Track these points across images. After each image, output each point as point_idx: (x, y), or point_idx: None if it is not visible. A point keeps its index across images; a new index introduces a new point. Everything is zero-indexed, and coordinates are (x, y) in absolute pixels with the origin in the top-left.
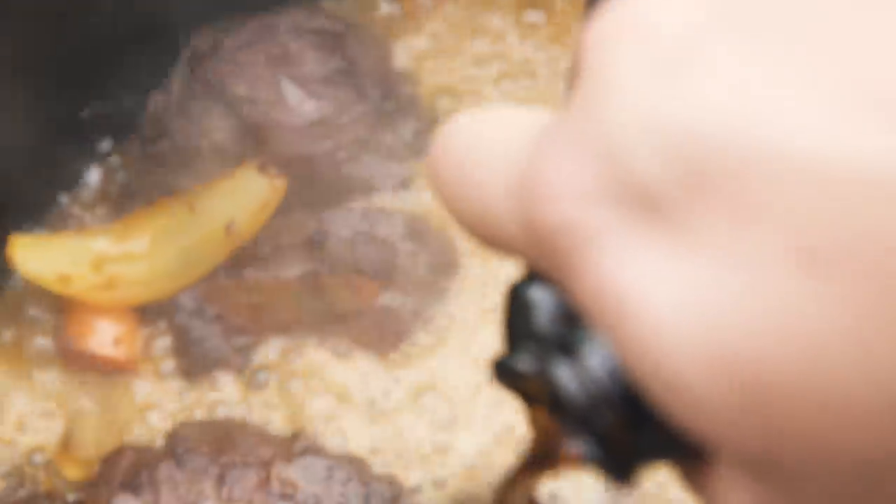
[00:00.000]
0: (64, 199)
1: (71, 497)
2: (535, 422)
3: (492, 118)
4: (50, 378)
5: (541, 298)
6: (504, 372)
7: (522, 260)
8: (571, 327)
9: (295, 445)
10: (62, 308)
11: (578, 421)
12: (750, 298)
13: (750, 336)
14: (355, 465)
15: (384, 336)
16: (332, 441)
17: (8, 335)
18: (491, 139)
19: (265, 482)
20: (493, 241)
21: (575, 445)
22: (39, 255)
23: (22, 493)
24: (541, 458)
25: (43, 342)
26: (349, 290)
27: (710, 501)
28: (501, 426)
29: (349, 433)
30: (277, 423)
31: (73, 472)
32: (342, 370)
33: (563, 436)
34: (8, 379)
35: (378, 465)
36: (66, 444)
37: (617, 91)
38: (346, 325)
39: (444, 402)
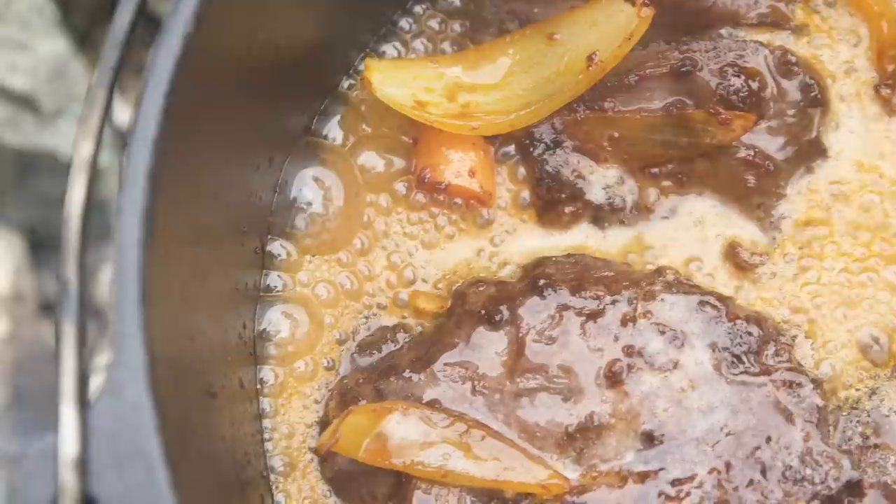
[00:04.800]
0: (410, 25)
1: (424, 329)
2: None
3: None
4: (403, 217)
5: None
6: None
7: None
8: None
9: (658, 281)
10: (415, 138)
11: None
12: None
13: None
14: (724, 303)
15: (750, 174)
16: (696, 280)
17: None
18: None
19: (630, 317)
20: None
21: None
22: (395, 80)
23: (377, 325)
24: None
25: (396, 172)
26: (716, 123)
27: None
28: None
29: (714, 273)
30: (636, 259)
31: (426, 305)
32: (709, 210)
33: None
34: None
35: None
36: (418, 277)
37: None
38: (711, 161)
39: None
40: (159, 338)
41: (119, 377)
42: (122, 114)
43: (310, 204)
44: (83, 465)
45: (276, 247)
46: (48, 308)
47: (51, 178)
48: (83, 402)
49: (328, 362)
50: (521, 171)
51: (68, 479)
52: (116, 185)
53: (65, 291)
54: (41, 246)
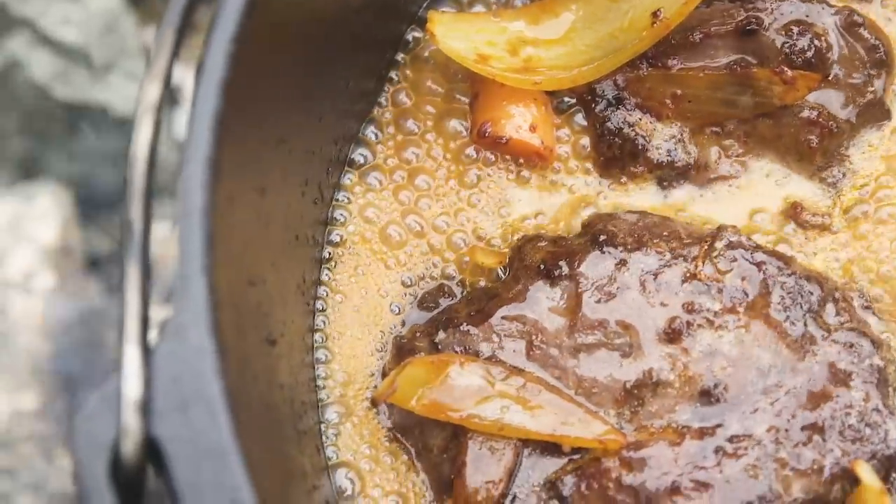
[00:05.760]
0: None
1: (483, 283)
2: None
3: None
4: (462, 171)
5: None
6: None
7: None
8: None
9: (719, 240)
10: (476, 92)
11: None
12: None
13: None
14: (785, 262)
15: (813, 134)
16: (757, 239)
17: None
18: None
19: (690, 274)
20: None
21: None
22: (458, 33)
23: (437, 280)
24: None
25: (456, 125)
26: (780, 82)
27: None
28: None
29: (775, 233)
30: (697, 217)
31: (484, 260)
32: (771, 170)
33: None
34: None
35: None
36: (477, 231)
37: None
38: (774, 121)
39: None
40: (222, 283)
41: (183, 321)
42: (175, 72)
43: (371, 151)
44: (146, 407)
45: (338, 194)
46: (95, 264)
47: (100, 133)
48: (146, 345)
49: (396, 308)
50: (586, 127)
51: (131, 420)
52: (168, 140)
53: (129, 233)
54: (89, 202)
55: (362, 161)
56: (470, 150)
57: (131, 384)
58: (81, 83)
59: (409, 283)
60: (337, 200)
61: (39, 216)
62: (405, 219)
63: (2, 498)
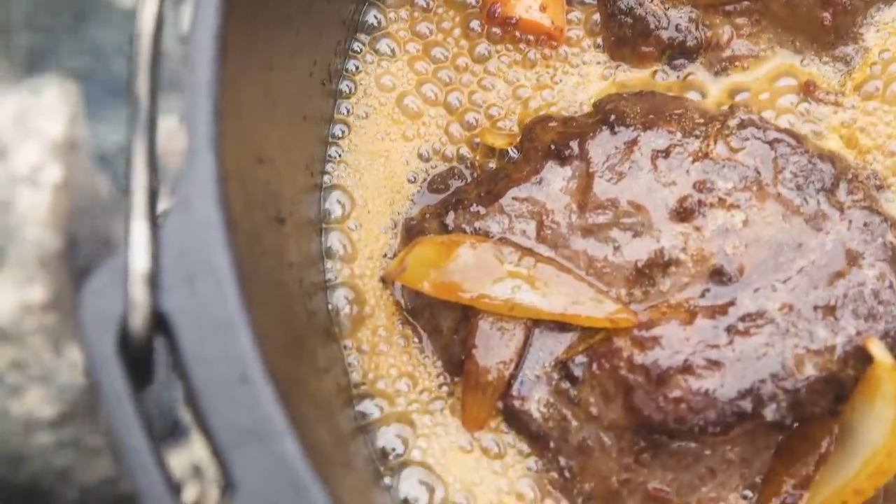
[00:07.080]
0: None
1: (493, 165)
2: None
3: None
4: (472, 51)
5: None
6: None
7: None
8: None
9: (732, 119)
10: None
11: None
12: None
13: None
14: (798, 140)
15: (826, 11)
16: (769, 118)
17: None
18: None
19: (702, 153)
20: None
21: None
22: None
23: (447, 162)
24: None
25: (467, 11)
26: None
27: None
28: None
29: (788, 112)
30: (709, 97)
31: (494, 141)
32: (784, 48)
33: None
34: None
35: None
36: (489, 114)
37: None
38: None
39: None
40: (230, 156)
41: (189, 193)
42: None
43: (384, 16)
44: (154, 280)
45: (348, 63)
46: (103, 157)
47: (106, 27)
48: (153, 219)
49: (413, 176)
50: (596, 8)
51: (139, 294)
52: (174, 38)
53: (136, 107)
54: (97, 95)
55: (375, 24)
56: (480, 31)
57: (139, 258)
58: None
59: (426, 156)
60: (347, 70)
61: (47, 110)
62: (420, 88)
63: (11, 390)
